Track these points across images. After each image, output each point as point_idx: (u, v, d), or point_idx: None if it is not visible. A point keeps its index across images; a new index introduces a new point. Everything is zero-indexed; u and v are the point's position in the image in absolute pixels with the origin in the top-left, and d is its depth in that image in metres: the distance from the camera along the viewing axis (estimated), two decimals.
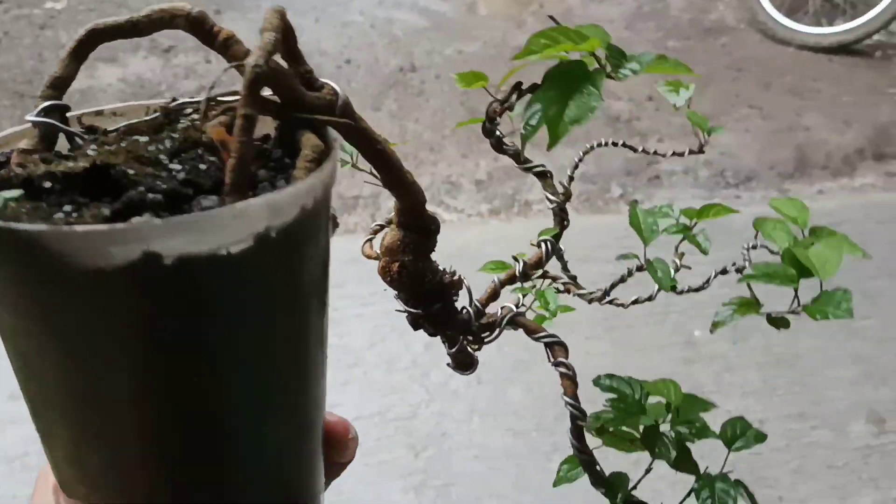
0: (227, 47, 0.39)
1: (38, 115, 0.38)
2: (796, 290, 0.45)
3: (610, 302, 0.64)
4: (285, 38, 0.39)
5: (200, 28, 0.39)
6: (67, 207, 0.33)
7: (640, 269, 0.61)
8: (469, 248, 1.99)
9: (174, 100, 0.44)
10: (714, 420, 1.70)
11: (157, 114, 0.44)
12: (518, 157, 0.55)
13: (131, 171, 0.35)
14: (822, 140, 2.65)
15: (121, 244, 0.31)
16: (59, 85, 0.38)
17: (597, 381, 0.55)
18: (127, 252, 0.31)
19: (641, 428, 0.53)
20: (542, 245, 0.57)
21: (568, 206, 0.67)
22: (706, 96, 2.84)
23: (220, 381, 0.37)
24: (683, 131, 2.63)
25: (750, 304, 0.48)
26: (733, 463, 1.68)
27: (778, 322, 0.46)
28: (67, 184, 0.35)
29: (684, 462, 0.53)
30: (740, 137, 2.64)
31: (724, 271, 0.61)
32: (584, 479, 0.52)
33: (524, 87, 0.51)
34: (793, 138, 2.65)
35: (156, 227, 0.31)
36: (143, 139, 0.39)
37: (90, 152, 0.38)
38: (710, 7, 3.53)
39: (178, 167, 0.37)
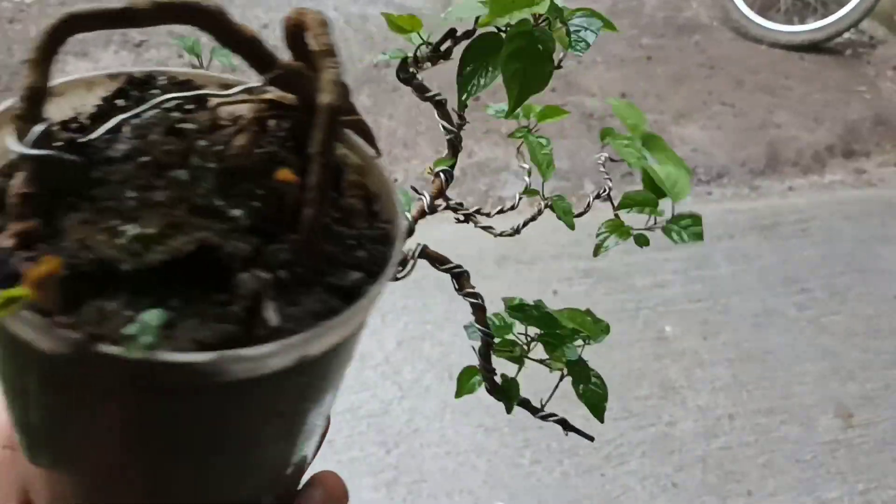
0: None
1: (32, 145, 0.31)
2: (652, 213, 0.50)
3: (513, 234, 0.66)
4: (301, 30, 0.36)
5: (218, 24, 0.34)
6: (175, 304, 0.30)
7: (548, 206, 0.64)
8: (443, 245, 1.98)
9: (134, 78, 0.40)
10: (685, 414, 1.70)
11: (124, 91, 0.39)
12: (423, 89, 0.55)
13: (216, 240, 0.31)
14: (792, 137, 2.68)
15: (281, 357, 0.30)
16: (37, 96, 0.32)
17: (510, 304, 0.58)
18: (282, 361, 0.30)
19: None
20: (440, 175, 0.58)
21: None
22: (679, 94, 2.86)
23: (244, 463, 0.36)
24: (656, 128, 2.65)
25: (621, 227, 0.54)
26: (703, 458, 1.69)
27: (640, 239, 0.52)
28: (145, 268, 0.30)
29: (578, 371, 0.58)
30: (712, 134, 2.66)
31: (598, 196, 0.65)
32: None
33: (458, 34, 0.51)
34: (764, 135, 2.68)
35: (308, 338, 0.30)
36: (182, 175, 0.33)
37: (131, 198, 0.32)
38: (684, 5, 3.55)
39: (238, 212, 0.33)
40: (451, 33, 0.51)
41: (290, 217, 0.35)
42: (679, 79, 2.95)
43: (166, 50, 2.85)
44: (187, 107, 0.38)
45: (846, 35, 3.28)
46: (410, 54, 0.53)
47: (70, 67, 2.70)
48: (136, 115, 0.36)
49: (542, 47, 0.46)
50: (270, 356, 0.29)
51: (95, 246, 0.30)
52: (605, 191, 0.63)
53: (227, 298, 0.31)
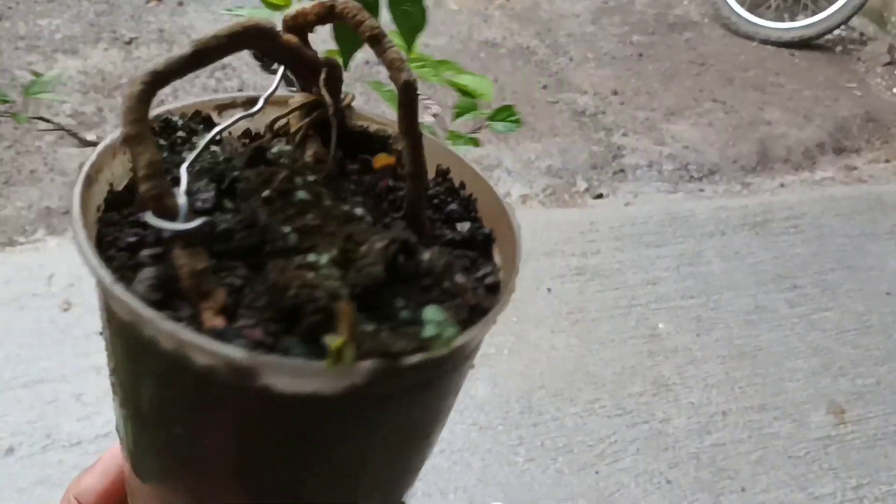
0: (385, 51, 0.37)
1: (190, 222, 0.33)
2: (475, 116, 0.52)
3: None
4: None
5: (273, 42, 0.37)
6: (406, 303, 0.34)
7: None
8: None
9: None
10: (679, 410, 1.70)
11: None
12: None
13: (403, 236, 0.35)
14: (783, 134, 2.69)
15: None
16: (158, 169, 0.33)
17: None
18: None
19: None
20: None
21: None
22: (670, 90, 2.86)
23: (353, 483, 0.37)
24: (648, 126, 2.65)
25: (471, 106, 0.56)
26: (696, 455, 1.69)
27: (473, 141, 0.54)
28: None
29: None
30: (704, 132, 2.66)
31: (434, 115, 0.67)
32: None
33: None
34: (755, 132, 2.68)
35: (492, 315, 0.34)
36: (305, 195, 0.36)
37: (290, 232, 0.34)
38: (675, 2, 3.55)
39: (360, 210, 0.37)
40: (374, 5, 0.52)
41: (388, 201, 0.40)
42: (670, 76, 2.95)
43: (156, 47, 2.84)
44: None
45: (836, 32, 3.29)
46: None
47: (59, 65, 2.68)
48: (199, 154, 0.38)
49: None
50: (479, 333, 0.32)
51: (316, 283, 0.32)
52: (435, 114, 0.66)
53: (429, 282, 0.35)
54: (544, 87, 2.82)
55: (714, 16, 3.41)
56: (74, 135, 0.57)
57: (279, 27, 0.37)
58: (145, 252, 0.34)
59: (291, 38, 0.37)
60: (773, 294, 1.99)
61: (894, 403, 1.75)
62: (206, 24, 2.98)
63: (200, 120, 0.42)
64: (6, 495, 1.41)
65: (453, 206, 0.43)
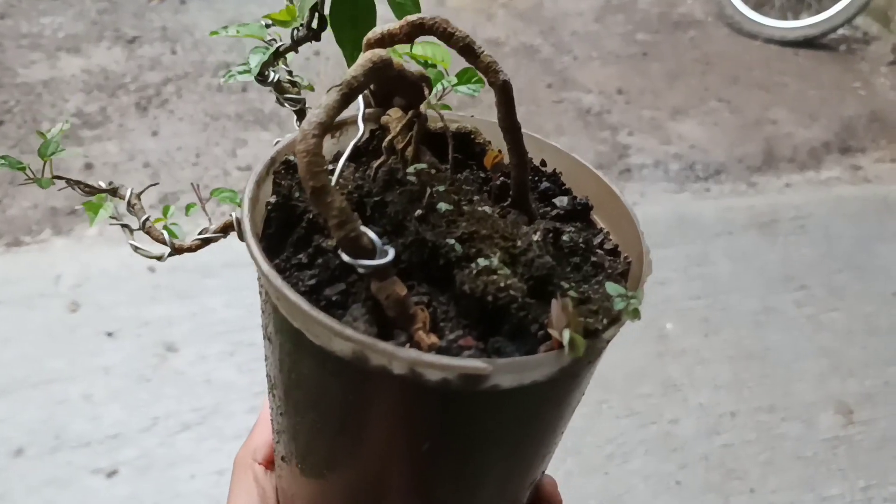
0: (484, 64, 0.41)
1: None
2: (441, 82, 0.54)
3: None
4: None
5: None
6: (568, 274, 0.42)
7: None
8: None
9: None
10: (687, 412, 1.69)
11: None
12: (282, 89, 0.59)
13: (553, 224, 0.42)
14: (788, 134, 2.68)
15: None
16: (352, 230, 0.36)
17: None
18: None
19: None
20: None
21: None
22: (675, 89, 2.86)
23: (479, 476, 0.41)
24: (653, 125, 2.65)
25: (439, 76, 0.57)
26: (705, 456, 1.69)
27: (445, 106, 0.55)
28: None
29: None
30: (709, 131, 2.66)
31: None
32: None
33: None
34: (760, 132, 2.68)
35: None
36: (447, 204, 0.41)
37: (461, 233, 0.39)
38: (679, 1, 3.55)
39: (489, 207, 0.42)
40: (314, 7, 0.53)
41: (494, 191, 0.45)
42: (675, 75, 2.95)
43: (160, 45, 2.83)
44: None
45: (840, 31, 3.29)
46: (258, 62, 0.54)
47: (62, 63, 2.67)
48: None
49: None
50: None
51: (508, 285, 0.37)
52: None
53: (577, 260, 0.41)
54: (549, 85, 2.81)
55: (718, 14, 3.40)
56: (90, 187, 0.57)
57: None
58: (330, 291, 0.37)
59: (398, 62, 0.40)
60: (780, 295, 1.99)
61: None
62: (209, 22, 2.97)
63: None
64: (16, 496, 1.40)
65: (546, 184, 0.48)
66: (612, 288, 0.37)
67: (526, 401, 0.37)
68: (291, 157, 0.44)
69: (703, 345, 1.83)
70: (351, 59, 0.48)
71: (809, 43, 3.23)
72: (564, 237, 0.42)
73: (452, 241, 0.38)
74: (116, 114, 2.46)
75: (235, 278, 1.83)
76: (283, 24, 0.53)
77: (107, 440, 1.50)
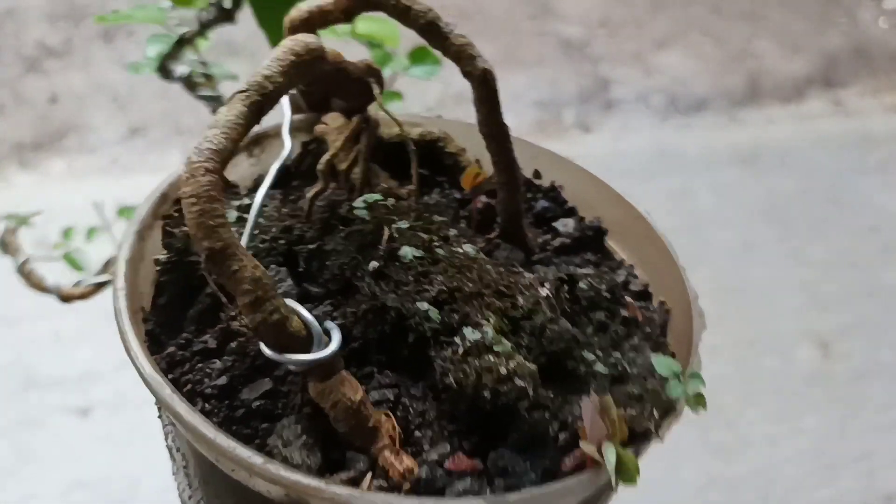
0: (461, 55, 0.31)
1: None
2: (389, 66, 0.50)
3: None
4: None
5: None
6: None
7: None
8: None
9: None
10: None
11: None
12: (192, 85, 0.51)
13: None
14: (772, 67, 2.65)
15: None
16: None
17: None
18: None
19: None
20: None
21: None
22: (658, 21, 2.80)
23: None
24: (636, 58, 2.60)
25: (386, 57, 0.54)
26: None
27: (397, 95, 0.53)
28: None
29: None
30: (692, 64, 2.61)
31: None
32: None
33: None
34: (743, 65, 2.64)
35: None
36: (442, 252, 0.29)
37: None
38: None
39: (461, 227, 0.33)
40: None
41: (475, 217, 0.34)
42: (658, 5, 2.88)
43: None
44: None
45: None
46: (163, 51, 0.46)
47: None
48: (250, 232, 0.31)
49: None
50: None
51: (511, 371, 0.26)
52: None
53: (603, 317, 0.31)
54: (530, 17, 2.74)
55: None
56: (51, 291, 0.51)
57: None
58: (249, 394, 0.26)
59: (335, 51, 0.29)
60: (761, 229, 1.98)
61: (878, 339, 1.76)
62: None
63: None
64: None
65: (544, 203, 0.38)
66: (661, 364, 0.28)
67: None
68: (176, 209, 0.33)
69: None
70: (276, 38, 0.39)
71: None
72: (582, 284, 0.31)
73: (426, 307, 0.27)
74: (84, 45, 2.37)
75: None
76: (186, 4, 0.45)
77: (79, 379, 1.48)
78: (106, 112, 2.10)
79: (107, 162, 2.00)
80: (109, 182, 1.89)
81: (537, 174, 0.38)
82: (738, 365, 1.67)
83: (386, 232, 0.29)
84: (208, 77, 0.47)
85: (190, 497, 0.30)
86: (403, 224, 0.29)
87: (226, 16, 0.43)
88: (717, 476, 1.48)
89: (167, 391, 0.26)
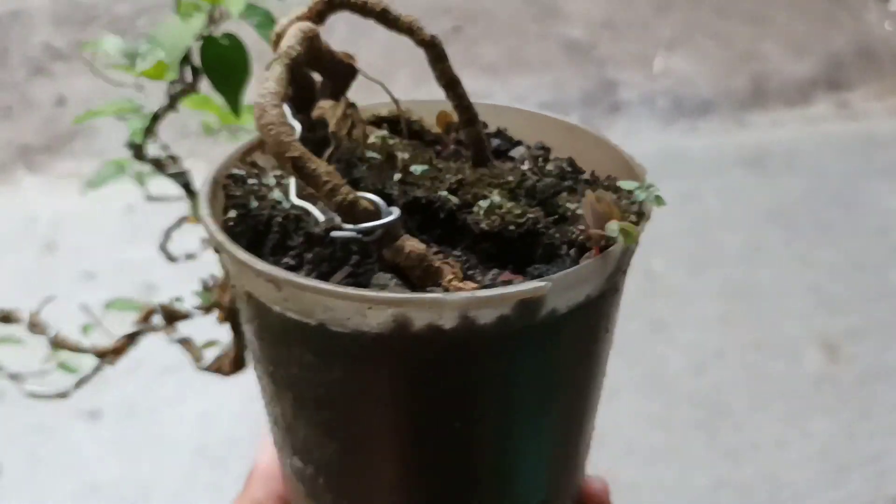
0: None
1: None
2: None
3: None
4: None
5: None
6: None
7: None
8: None
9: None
10: (675, 350, 1.68)
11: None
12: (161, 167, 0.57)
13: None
14: (777, 69, 2.65)
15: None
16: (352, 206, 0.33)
17: None
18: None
19: None
20: None
21: None
22: (664, 23, 2.80)
23: (504, 434, 0.37)
24: (641, 59, 2.60)
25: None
26: (692, 395, 1.69)
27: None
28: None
29: None
30: (698, 66, 2.61)
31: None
32: None
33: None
34: (748, 67, 2.64)
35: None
36: (441, 165, 0.40)
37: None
38: None
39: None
40: (185, 59, 0.49)
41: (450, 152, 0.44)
42: (662, 8, 2.89)
43: None
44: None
45: None
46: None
47: None
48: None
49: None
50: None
51: (522, 211, 0.36)
52: None
53: (571, 183, 0.41)
54: (535, 19, 2.74)
55: None
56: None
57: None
58: (337, 280, 0.33)
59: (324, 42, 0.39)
60: (768, 232, 1.98)
61: (886, 342, 1.76)
62: None
63: (254, 165, 0.43)
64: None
65: (496, 141, 0.46)
66: (625, 184, 0.37)
67: (582, 324, 0.36)
68: (235, 171, 0.41)
69: (691, 283, 1.83)
70: (235, 104, 0.45)
71: None
72: (549, 166, 0.41)
73: (445, 193, 0.36)
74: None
75: None
76: (157, 76, 0.50)
77: (90, 383, 1.48)
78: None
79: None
80: (117, 185, 1.90)
81: (484, 125, 0.47)
82: (746, 368, 1.67)
83: (397, 157, 0.39)
84: (173, 158, 0.53)
85: (297, 397, 0.36)
86: (406, 154, 0.39)
87: (191, 87, 0.49)
88: (725, 479, 1.48)
89: (276, 270, 0.32)
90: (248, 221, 0.37)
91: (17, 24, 2.43)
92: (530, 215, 0.35)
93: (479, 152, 0.41)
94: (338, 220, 0.32)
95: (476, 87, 2.35)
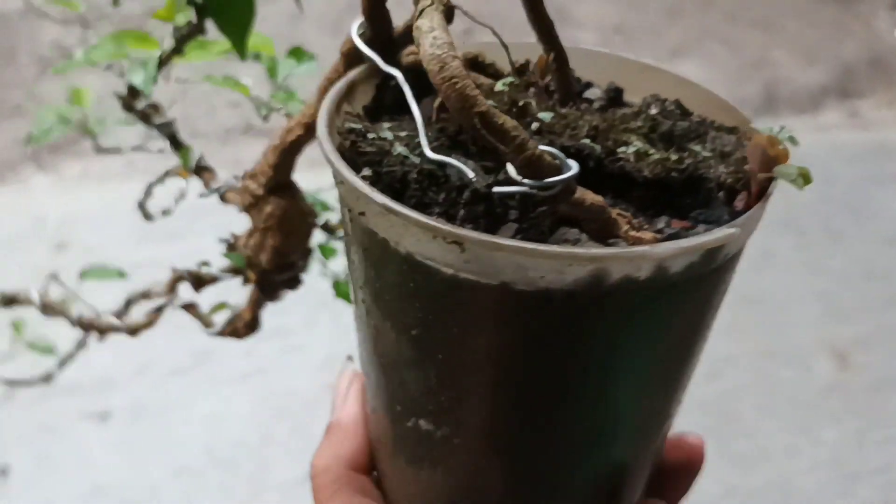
0: None
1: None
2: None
3: None
4: None
5: None
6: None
7: None
8: None
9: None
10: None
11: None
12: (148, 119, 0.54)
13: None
14: (787, 77, 2.64)
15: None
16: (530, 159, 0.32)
17: None
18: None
19: None
20: None
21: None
22: (674, 29, 2.80)
23: (604, 399, 0.36)
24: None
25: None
26: (701, 402, 1.68)
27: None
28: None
29: None
30: (708, 72, 2.61)
31: None
32: None
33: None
34: (759, 74, 2.64)
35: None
36: (564, 112, 0.38)
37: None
38: None
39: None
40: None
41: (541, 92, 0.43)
42: (674, 13, 2.88)
43: None
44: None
45: None
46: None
47: None
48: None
49: None
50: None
51: (682, 159, 0.35)
52: None
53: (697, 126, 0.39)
54: None
55: None
56: None
57: None
58: (508, 221, 0.32)
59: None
60: (778, 239, 1.97)
61: None
62: None
63: (356, 117, 0.41)
64: (8, 442, 1.38)
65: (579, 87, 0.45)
66: (762, 128, 0.36)
67: (728, 276, 0.36)
68: (351, 124, 0.38)
69: None
70: (241, 46, 0.43)
71: None
72: (668, 105, 0.39)
73: (588, 141, 0.34)
74: None
75: (226, 217, 1.78)
76: (168, 18, 0.49)
77: (98, 384, 1.48)
78: (122, 114, 2.11)
79: (123, 165, 2.01)
80: (125, 185, 1.90)
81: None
82: (756, 375, 1.66)
83: (522, 103, 0.36)
84: (155, 107, 0.53)
85: (462, 359, 0.34)
86: (526, 100, 0.37)
87: (199, 29, 0.47)
88: (735, 486, 1.47)
89: (448, 227, 0.30)
90: (384, 179, 0.34)
91: (26, 21, 2.43)
92: (688, 161, 0.34)
93: (568, 93, 0.41)
94: (478, 175, 0.31)
95: None
